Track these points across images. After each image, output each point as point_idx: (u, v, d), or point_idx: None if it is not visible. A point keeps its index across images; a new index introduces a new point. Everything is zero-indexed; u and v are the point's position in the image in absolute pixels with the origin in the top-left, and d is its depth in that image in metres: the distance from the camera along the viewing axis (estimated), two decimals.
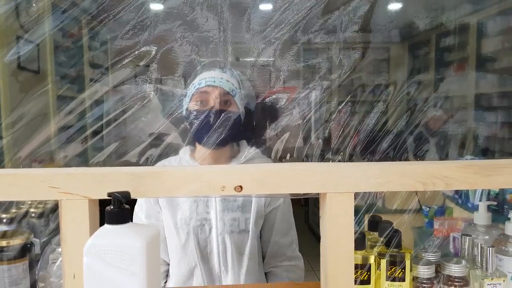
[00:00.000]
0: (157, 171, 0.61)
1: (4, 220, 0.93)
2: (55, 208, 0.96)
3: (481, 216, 0.86)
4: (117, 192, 0.52)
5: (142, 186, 0.60)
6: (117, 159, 0.74)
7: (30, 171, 0.60)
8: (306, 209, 4.13)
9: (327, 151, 0.86)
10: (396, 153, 0.96)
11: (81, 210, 0.59)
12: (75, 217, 0.59)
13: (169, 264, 1.08)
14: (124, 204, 0.53)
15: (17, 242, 0.67)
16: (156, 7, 1.06)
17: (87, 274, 0.51)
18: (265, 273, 1.11)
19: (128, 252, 0.50)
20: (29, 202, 0.97)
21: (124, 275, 0.50)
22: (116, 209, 0.52)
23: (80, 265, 0.59)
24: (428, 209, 1.71)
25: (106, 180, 0.59)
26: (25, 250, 0.67)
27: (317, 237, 3.67)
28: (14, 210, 0.95)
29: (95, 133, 0.83)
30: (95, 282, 0.51)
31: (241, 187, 0.62)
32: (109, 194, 0.52)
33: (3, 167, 0.91)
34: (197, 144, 1.04)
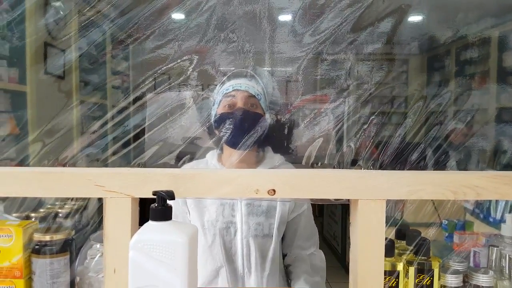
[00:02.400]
0: (195, 173, 0.64)
1: (33, 219, 0.97)
2: (87, 207, 1.00)
3: (509, 228, 0.86)
4: (162, 191, 0.55)
5: (181, 187, 0.63)
6: (155, 162, 0.78)
7: (77, 170, 0.64)
8: (320, 220, 4.10)
9: (358, 160, 0.87)
10: (418, 164, 0.97)
11: (124, 207, 0.62)
12: (118, 214, 0.62)
13: None
14: (167, 202, 0.56)
15: (59, 237, 0.70)
16: (187, 21, 1.11)
17: (132, 267, 0.54)
18: (286, 267, 1.13)
19: (171, 248, 0.53)
20: (62, 202, 1.01)
21: (167, 269, 0.53)
22: (160, 207, 0.55)
23: (120, 260, 0.62)
24: (447, 222, 1.69)
25: (148, 180, 0.62)
26: (66, 245, 0.71)
27: (332, 249, 3.64)
28: (42, 210, 0.99)
29: (129, 140, 0.87)
30: (139, 275, 0.53)
31: (274, 190, 0.64)
32: (154, 193, 0.55)
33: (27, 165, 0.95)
34: (224, 148, 1.08)
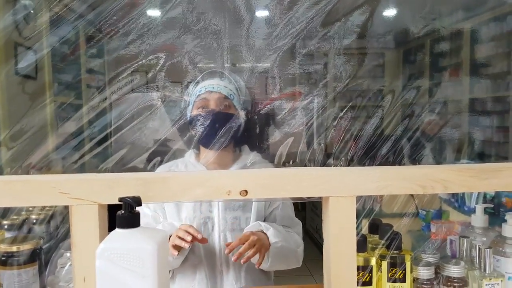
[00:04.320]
0: (165, 176, 0.63)
1: (6, 227, 0.94)
2: (56, 215, 0.97)
3: (479, 218, 0.89)
4: (128, 197, 0.54)
5: (150, 191, 0.61)
6: (124, 165, 0.76)
7: (41, 177, 0.62)
8: (303, 214, 4.14)
9: (329, 156, 0.88)
10: (395, 158, 0.98)
11: (91, 215, 0.60)
12: (85, 222, 0.60)
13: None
14: (135, 209, 0.55)
15: (27, 247, 0.68)
16: (158, 17, 1.09)
17: (99, 277, 0.52)
18: None
19: (139, 255, 0.52)
20: (30, 209, 0.98)
21: (135, 278, 0.52)
22: (127, 214, 0.54)
23: (89, 268, 0.60)
24: (425, 213, 1.73)
25: (115, 185, 0.60)
26: (34, 255, 0.69)
27: (315, 242, 3.67)
28: (15, 217, 0.96)
29: (99, 141, 0.85)
30: (107, 284, 0.52)
31: (246, 191, 0.64)
32: (120, 199, 0.54)
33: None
34: (201, 147, 1.10)
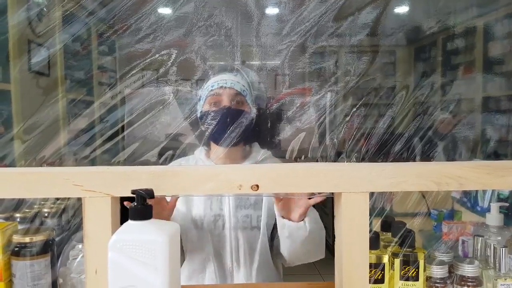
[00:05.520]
0: (177, 170, 0.63)
1: (18, 220, 0.95)
2: (67, 209, 0.98)
3: (494, 217, 0.87)
4: (141, 189, 0.54)
5: (162, 185, 0.61)
6: (136, 159, 0.77)
7: (54, 169, 0.62)
8: None
9: (340, 153, 0.87)
10: (407, 157, 0.97)
11: (103, 207, 0.61)
12: (97, 214, 0.61)
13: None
14: (147, 201, 0.55)
15: (40, 238, 0.68)
16: (170, 13, 1.09)
17: (111, 269, 0.52)
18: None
19: (151, 247, 0.52)
20: (43, 202, 0.99)
21: (147, 270, 0.52)
22: (140, 206, 0.54)
23: (101, 260, 0.61)
24: (437, 213, 1.71)
25: (128, 178, 0.61)
26: (47, 247, 0.69)
27: None
28: (27, 210, 0.97)
29: (111, 136, 0.86)
30: (119, 276, 0.52)
31: (257, 186, 0.64)
32: (133, 191, 0.54)
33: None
34: (211, 144, 1.08)
